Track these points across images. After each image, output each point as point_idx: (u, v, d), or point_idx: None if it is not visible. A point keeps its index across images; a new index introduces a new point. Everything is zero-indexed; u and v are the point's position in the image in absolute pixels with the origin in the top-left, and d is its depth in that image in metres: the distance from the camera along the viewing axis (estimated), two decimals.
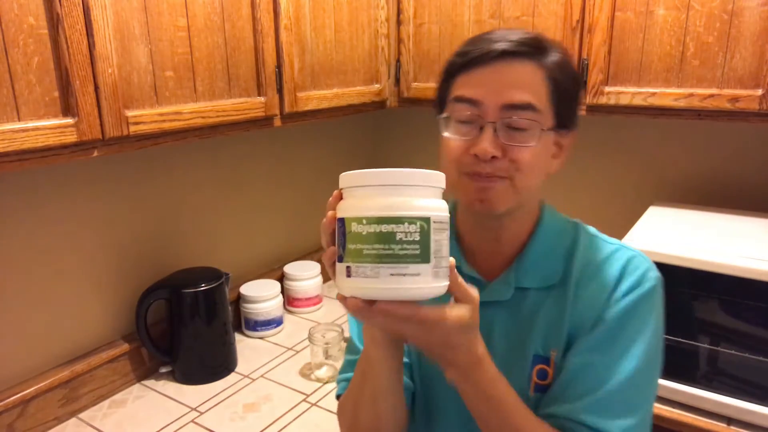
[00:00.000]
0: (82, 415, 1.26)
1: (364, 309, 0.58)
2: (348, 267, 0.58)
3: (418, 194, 0.59)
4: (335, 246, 0.61)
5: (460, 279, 0.63)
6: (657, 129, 1.58)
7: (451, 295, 0.63)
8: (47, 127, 0.88)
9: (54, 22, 0.87)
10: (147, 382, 1.38)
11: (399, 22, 1.58)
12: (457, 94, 0.76)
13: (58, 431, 1.22)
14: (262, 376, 1.40)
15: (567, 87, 0.76)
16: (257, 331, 1.58)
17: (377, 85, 1.58)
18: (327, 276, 1.88)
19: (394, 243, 0.56)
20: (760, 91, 1.16)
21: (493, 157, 0.73)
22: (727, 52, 1.18)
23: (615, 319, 0.76)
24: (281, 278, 1.71)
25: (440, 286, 0.59)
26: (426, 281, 0.57)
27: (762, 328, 1.13)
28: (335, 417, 1.24)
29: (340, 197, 0.62)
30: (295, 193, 1.83)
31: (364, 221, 0.57)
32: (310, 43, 1.34)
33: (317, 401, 1.30)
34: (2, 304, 1.16)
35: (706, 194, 1.54)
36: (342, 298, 0.60)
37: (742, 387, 1.16)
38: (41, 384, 1.19)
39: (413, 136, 2.03)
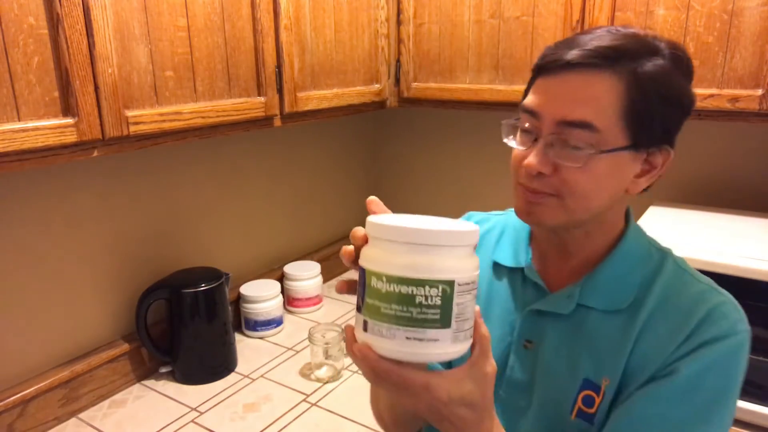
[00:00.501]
0: (82, 415, 1.26)
1: (373, 361, 0.56)
2: (365, 321, 0.56)
3: (446, 254, 0.54)
4: (357, 291, 0.59)
5: (480, 347, 0.59)
6: None
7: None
8: (47, 127, 0.88)
9: (54, 22, 0.87)
10: (147, 382, 1.38)
11: (399, 22, 1.58)
12: (523, 102, 0.73)
13: (58, 431, 1.22)
14: (262, 376, 1.40)
15: (655, 101, 0.67)
16: (257, 331, 1.58)
17: (377, 85, 1.58)
18: (327, 276, 1.88)
19: (414, 306, 0.54)
20: (760, 91, 1.16)
21: (541, 173, 0.69)
22: (727, 52, 1.18)
23: (694, 373, 0.69)
24: (281, 278, 1.71)
25: (459, 350, 0.56)
26: (444, 346, 0.55)
27: (762, 328, 1.13)
28: (335, 417, 1.25)
29: (365, 239, 0.59)
30: (295, 193, 1.83)
31: (384, 278, 0.54)
32: (310, 43, 1.34)
33: (317, 401, 1.30)
34: (2, 304, 1.16)
35: (706, 194, 1.54)
36: (352, 340, 0.58)
37: (742, 387, 1.16)
38: (41, 384, 1.19)
39: (413, 136, 2.03)
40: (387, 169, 2.13)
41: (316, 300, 1.73)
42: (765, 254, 1.12)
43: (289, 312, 1.72)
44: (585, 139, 0.67)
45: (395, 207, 2.39)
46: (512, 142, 0.75)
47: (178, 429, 1.21)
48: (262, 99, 1.23)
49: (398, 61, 1.61)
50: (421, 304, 0.54)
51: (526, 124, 0.72)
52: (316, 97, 1.37)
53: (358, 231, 0.61)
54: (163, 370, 1.39)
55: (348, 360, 1.45)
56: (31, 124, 0.86)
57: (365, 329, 0.56)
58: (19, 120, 0.85)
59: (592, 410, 0.74)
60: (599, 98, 0.66)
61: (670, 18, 1.22)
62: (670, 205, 1.46)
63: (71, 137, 0.91)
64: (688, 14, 1.20)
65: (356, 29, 1.48)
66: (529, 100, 0.72)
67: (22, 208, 1.17)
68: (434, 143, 1.98)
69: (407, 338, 0.54)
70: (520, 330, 0.81)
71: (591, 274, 0.76)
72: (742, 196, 1.50)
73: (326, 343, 1.37)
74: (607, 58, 0.66)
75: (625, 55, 0.66)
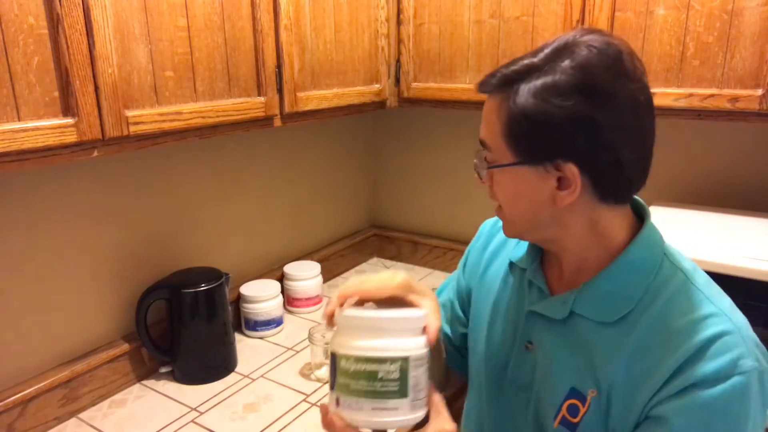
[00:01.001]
0: (82, 415, 1.26)
1: (340, 429, 0.68)
2: (337, 398, 0.68)
3: (400, 336, 0.68)
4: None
5: (435, 410, 0.70)
6: (657, 129, 1.58)
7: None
8: (47, 127, 0.88)
9: (54, 22, 0.87)
10: (147, 382, 1.38)
11: (399, 22, 1.58)
12: None
13: (58, 431, 1.22)
14: (262, 376, 1.40)
15: (521, 121, 0.69)
16: (257, 331, 1.58)
17: (377, 85, 1.58)
18: (327, 276, 1.88)
19: (376, 381, 0.66)
20: (760, 91, 1.16)
21: (487, 185, 0.78)
22: (727, 52, 1.18)
23: (685, 424, 0.65)
24: (281, 278, 1.71)
25: (417, 416, 0.68)
26: (404, 413, 0.67)
27: (762, 328, 1.13)
28: None
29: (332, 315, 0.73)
30: (295, 193, 1.83)
31: (352, 359, 0.67)
32: (310, 43, 1.34)
33: (317, 401, 1.30)
34: (2, 304, 1.16)
35: (706, 194, 1.54)
36: (326, 413, 0.70)
37: None
38: (41, 384, 1.19)
39: (413, 136, 2.03)
40: (387, 169, 2.13)
41: (316, 300, 1.73)
42: (765, 254, 1.12)
43: (289, 312, 1.72)
44: (486, 156, 0.75)
45: (396, 206, 2.39)
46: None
47: (178, 429, 1.21)
48: (262, 99, 1.23)
49: (398, 61, 1.61)
50: (382, 379, 0.66)
51: None
52: (316, 97, 1.37)
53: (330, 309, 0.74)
54: (163, 370, 1.39)
55: None
56: (31, 124, 0.86)
57: (337, 404, 0.68)
58: (19, 120, 0.85)
59: (576, 420, 0.74)
60: (490, 120, 0.73)
61: (670, 18, 1.22)
62: (670, 205, 1.46)
63: (71, 137, 0.91)
64: (688, 14, 1.20)
65: (356, 29, 1.48)
66: None
67: (22, 208, 1.17)
68: (434, 143, 1.98)
69: (373, 409, 0.66)
70: (522, 330, 0.82)
71: (588, 282, 0.76)
72: (742, 196, 1.50)
73: (326, 343, 1.37)
74: (495, 85, 0.72)
75: (509, 79, 0.70)
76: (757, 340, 0.70)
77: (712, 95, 1.20)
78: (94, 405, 1.29)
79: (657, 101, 1.27)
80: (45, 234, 1.21)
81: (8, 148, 0.84)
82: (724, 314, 0.69)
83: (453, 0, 1.48)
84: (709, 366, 0.65)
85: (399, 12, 1.57)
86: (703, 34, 1.19)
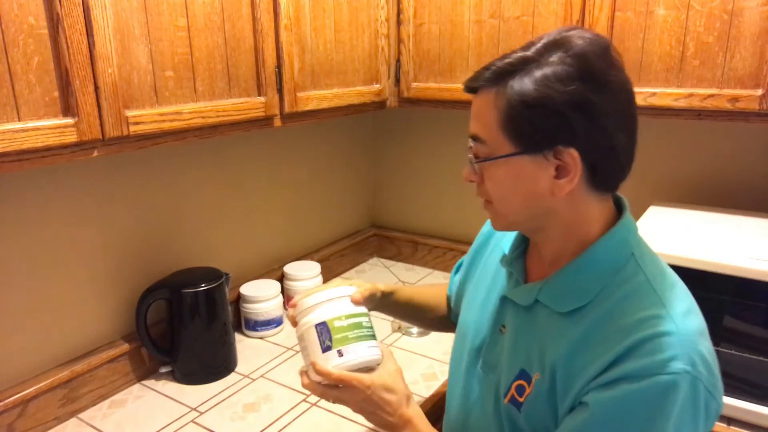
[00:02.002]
0: (82, 415, 1.26)
1: (319, 389, 0.86)
2: (339, 351, 0.85)
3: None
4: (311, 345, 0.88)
5: (383, 354, 0.88)
6: (657, 129, 1.58)
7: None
8: (47, 127, 0.88)
9: (54, 22, 0.87)
10: (147, 382, 1.38)
11: (399, 22, 1.58)
12: None
13: (58, 431, 1.22)
14: (262, 376, 1.40)
15: (520, 108, 0.71)
16: (257, 331, 1.58)
17: (377, 85, 1.58)
18: (327, 276, 1.88)
19: (363, 328, 0.88)
20: (760, 91, 1.16)
21: (474, 182, 0.80)
22: (727, 52, 1.18)
23: (602, 409, 0.68)
24: (281, 278, 1.71)
25: (381, 353, 0.89)
26: (379, 350, 0.88)
27: (762, 328, 1.13)
28: (335, 417, 1.25)
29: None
30: (295, 193, 1.83)
31: (343, 317, 0.87)
32: (310, 43, 1.34)
33: (317, 401, 1.30)
34: (2, 304, 1.16)
35: (706, 194, 1.54)
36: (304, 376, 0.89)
37: (742, 387, 1.16)
38: (41, 384, 1.19)
39: (413, 136, 2.03)
40: (387, 169, 2.13)
41: None
42: (765, 254, 1.12)
43: None
44: (480, 150, 0.77)
45: (396, 206, 2.40)
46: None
47: (178, 429, 1.21)
48: (262, 99, 1.23)
49: (398, 61, 1.61)
50: (364, 326, 0.88)
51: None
52: (316, 97, 1.37)
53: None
54: (163, 370, 1.39)
55: None
56: (31, 124, 0.86)
57: (341, 355, 0.85)
58: (19, 120, 0.85)
59: (521, 399, 0.80)
60: (484, 114, 0.75)
61: (670, 18, 1.22)
62: (670, 205, 1.46)
63: (71, 137, 0.91)
64: (688, 14, 1.20)
65: (356, 29, 1.48)
66: None
67: (22, 208, 1.17)
68: (434, 143, 1.98)
69: (368, 347, 0.86)
70: (497, 314, 0.89)
71: (555, 274, 0.80)
72: (742, 196, 1.50)
73: None
74: (488, 79, 0.74)
75: (502, 73, 0.72)
76: (705, 352, 0.70)
77: (712, 95, 1.20)
78: (94, 405, 1.29)
79: (657, 101, 1.28)
80: (45, 234, 1.21)
81: (8, 148, 0.84)
82: (670, 317, 0.70)
83: (453, 0, 1.48)
84: (638, 362, 0.67)
85: (399, 12, 1.57)
86: (703, 34, 1.19)
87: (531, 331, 0.81)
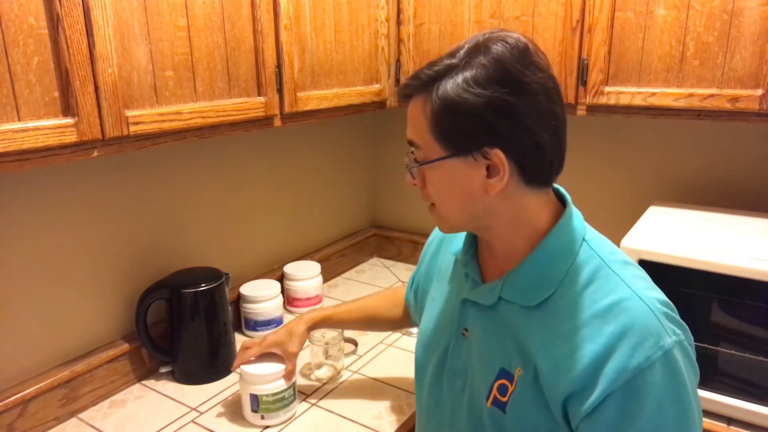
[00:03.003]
0: (82, 415, 1.26)
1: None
2: (262, 416, 1.21)
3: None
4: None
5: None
6: (657, 129, 1.58)
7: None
8: (47, 127, 0.88)
9: (54, 22, 0.87)
10: (147, 382, 1.38)
11: (399, 22, 1.58)
12: None
13: (58, 431, 1.22)
14: None
15: (443, 113, 0.74)
16: (257, 331, 1.58)
17: (377, 85, 1.58)
18: (327, 276, 1.88)
19: (285, 399, 1.22)
20: (760, 91, 1.16)
21: (416, 186, 0.84)
22: (727, 52, 1.18)
23: (617, 412, 0.70)
24: (281, 278, 1.71)
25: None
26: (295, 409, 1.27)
27: (762, 328, 1.13)
28: (335, 417, 1.25)
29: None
30: (295, 193, 1.83)
31: (270, 394, 1.20)
32: (310, 43, 1.34)
33: (317, 401, 1.30)
34: (2, 304, 1.16)
35: (706, 194, 1.54)
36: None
37: (742, 387, 1.16)
38: (41, 384, 1.19)
39: None
40: (387, 169, 2.13)
41: (316, 300, 1.73)
42: (764, 254, 1.12)
43: (289, 312, 1.72)
44: (416, 155, 0.80)
45: (395, 206, 2.39)
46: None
47: (178, 429, 1.21)
48: (262, 99, 1.23)
49: (398, 61, 1.61)
50: (287, 397, 1.22)
51: None
52: (316, 97, 1.37)
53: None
54: (163, 370, 1.39)
55: (348, 360, 1.45)
56: (31, 124, 0.86)
57: (262, 419, 1.21)
58: (19, 120, 0.85)
59: (505, 398, 0.80)
60: (416, 119, 0.78)
61: (670, 18, 1.22)
62: (670, 205, 1.46)
63: (71, 137, 0.91)
64: (688, 14, 1.20)
65: (356, 29, 1.48)
66: None
67: (21, 209, 1.17)
68: None
69: (285, 411, 1.23)
70: (458, 318, 0.89)
71: (514, 269, 0.81)
72: (742, 196, 1.50)
73: (326, 343, 1.37)
74: (417, 87, 0.77)
75: (431, 78, 0.75)
76: (673, 314, 0.74)
77: (712, 95, 1.20)
78: (94, 405, 1.29)
79: (657, 101, 1.28)
80: (45, 234, 1.21)
81: (8, 148, 0.84)
82: (637, 297, 0.73)
83: (453, 0, 1.48)
84: (635, 357, 0.69)
85: (399, 12, 1.57)
86: (703, 34, 1.19)
87: (501, 329, 0.82)
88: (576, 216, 0.83)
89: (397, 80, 1.62)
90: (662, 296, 0.77)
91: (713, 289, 1.16)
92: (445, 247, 1.02)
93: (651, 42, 1.25)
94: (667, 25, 1.22)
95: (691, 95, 1.22)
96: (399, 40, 1.59)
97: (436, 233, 1.10)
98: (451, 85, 0.73)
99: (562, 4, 1.33)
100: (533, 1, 1.37)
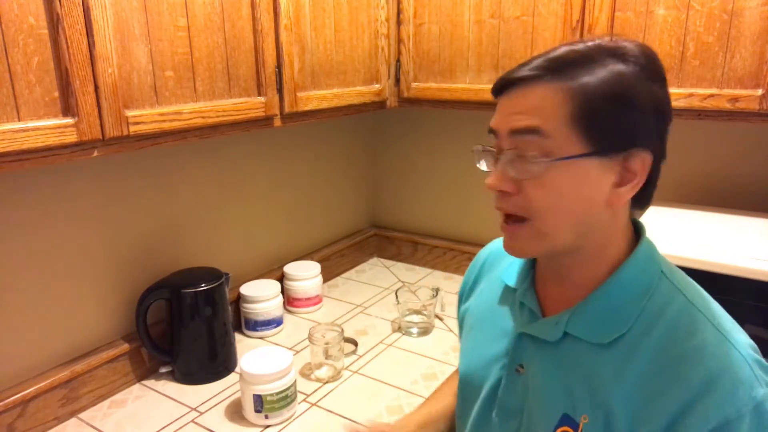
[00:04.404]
0: (82, 415, 1.26)
1: None
2: None
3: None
4: None
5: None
6: None
7: None
8: (47, 127, 0.88)
9: (54, 22, 0.87)
10: (147, 382, 1.38)
11: (399, 22, 1.58)
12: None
13: (58, 431, 1.22)
14: None
15: (605, 106, 0.64)
16: (257, 331, 1.58)
17: (377, 85, 1.58)
18: (327, 276, 1.88)
19: None
20: (760, 91, 1.16)
21: (504, 192, 0.70)
22: (727, 52, 1.18)
23: None
24: (281, 278, 1.71)
25: None
26: None
27: (762, 328, 1.13)
28: (335, 417, 1.25)
29: None
30: (295, 193, 1.83)
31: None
32: (310, 43, 1.34)
33: (317, 401, 1.30)
34: (2, 304, 1.16)
35: (706, 194, 1.54)
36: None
37: None
38: (41, 384, 1.19)
39: (413, 136, 2.03)
40: (387, 169, 2.13)
41: (316, 300, 1.73)
42: (765, 254, 1.12)
43: (289, 312, 1.72)
44: (537, 146, 0.66)
45: (395, 206, 2.40)
46: (483, 166, 0.76)
47: (178, 429, 1.21)
48: (262, 99, 1.23)
49: (398, 61, 1.61)
50: None
51: (492, 143, 0.73)
52: (316, 97, 1.37)
53: None
54: (163, 370, 1.39)
55: (348, 360, 1.45)
56: (31, 124, 0.86)
57: None
58: (19, 120, 0.85)
59: None
60: (544, 106, 0.66)
61: (670, 18, 1.22)
62: (670, 205, 1.46)
63: (71, 137, 0.91)
64: (688, 14, 1.20)
65: (356, 29, 1.48)
66: (491, 121, 0.72)
67: (22, 208, 1.17)
68: (434, 143, 1.98)
69: None
70: (512, 353, 0.79)
71: (583, 301, 0.72)
72: (742, 196, 1.50)
73: (326, 343, 1.37)
74: (548, 70, 0.66)
75: (567, 65, 0.66)
76: (759, 357, 0.67)
77: (712, 95, 1.20)
78: (94, 405, 1.29)
79: None
80: (45, 234, 1.21)
81: (8, 148, 0.84)
82: (726, 341, 0.66)
83: (453, 0, 1.48)
84: (724, 407, 0.61)
85: (399, 12, 1.57)
86: (703, 34, 1.19)
87: (565, 369, 0.72)
88: (652, 245, 0.74)
89: (397, 80, 1.62)
90: (749, 339, 0.68)
91: (713, 289, 1.16)
92: (488, 271, 0.92)
93: (651, 42, 1.25)
94: (667, 25, 1.22)
95: (691, 95, 1.22)
96: (399, 40, 1.59)
97: (479, 255, 0.97)
98: (609, 75, 0.64)
99: (562, 4, 1.33)
100: (533, 1, 1.37)
